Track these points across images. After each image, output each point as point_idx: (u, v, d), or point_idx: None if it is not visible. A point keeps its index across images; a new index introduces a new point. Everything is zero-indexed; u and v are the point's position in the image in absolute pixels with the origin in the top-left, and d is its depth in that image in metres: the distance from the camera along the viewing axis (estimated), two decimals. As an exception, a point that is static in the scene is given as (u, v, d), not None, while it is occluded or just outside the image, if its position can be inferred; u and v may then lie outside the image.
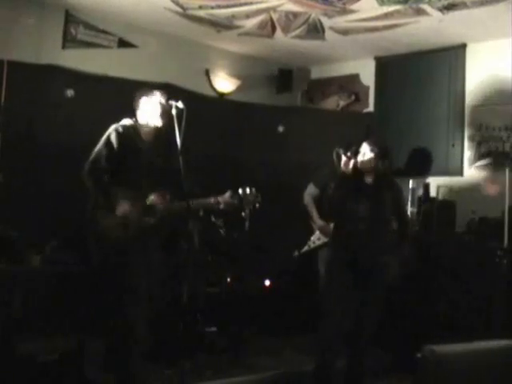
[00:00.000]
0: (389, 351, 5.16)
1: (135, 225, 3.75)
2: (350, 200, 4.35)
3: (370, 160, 4.35)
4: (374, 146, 4.38)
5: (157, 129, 3.93)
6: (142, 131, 3.94)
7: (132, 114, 3.98)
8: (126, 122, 3.94)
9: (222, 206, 3.93)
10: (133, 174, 3.83)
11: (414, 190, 6.01)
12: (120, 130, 3.86)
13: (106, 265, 3.83)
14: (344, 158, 4.37)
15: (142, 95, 3.95)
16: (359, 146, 4.48)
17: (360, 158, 4.39)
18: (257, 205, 4.01)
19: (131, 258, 3.74)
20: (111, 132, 3.85)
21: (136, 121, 3.95)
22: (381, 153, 4.38)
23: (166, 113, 3.85)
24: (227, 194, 3.94)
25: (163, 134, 3.91)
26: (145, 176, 3.84)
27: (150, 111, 3.91)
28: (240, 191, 3.97)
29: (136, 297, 3.77)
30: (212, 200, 3.94)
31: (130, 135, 3.87)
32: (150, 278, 3.85)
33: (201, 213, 4.91)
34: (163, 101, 3.88)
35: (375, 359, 4.84)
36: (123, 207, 3.74)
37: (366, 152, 4.38)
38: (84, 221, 3.86)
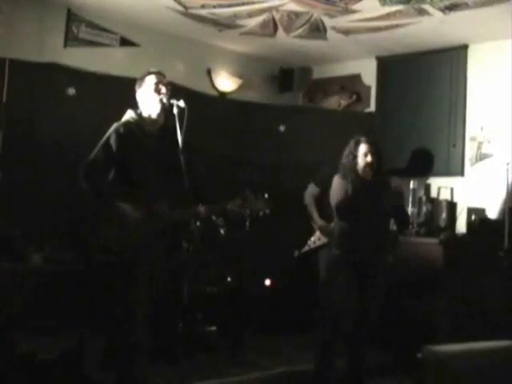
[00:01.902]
0: (389, 351, 5.17)
1: (137, 231, 3.73)
2: (352, 199, 4.34)
3: (371, 161, 4.35)
4: (372, 145, 4.39)
5: (160, 120, 3.85)
6: (146, 123, 3.84)
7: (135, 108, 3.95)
8: (129, 115, 3.85)
9: (229, 214, 3.84)
10: (137, 173, 3.77)
11: (414, 190, 6.00)
12: (121, 130, 3.75)
13: (106, 264, 3.82)
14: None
15: (138, 82, 3.91)
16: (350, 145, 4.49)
17: (361, 158, 4.38)
18: (267, 211, 3.86)
19: (131, 258, 3.73)
20: (111, 133, 3.76)
21: (140, 112, 3.86)
22: (378, 153, 4.39)
23: (166, 108, 3.82)
24: (237, 200, 3.82)
25: (168, 128, 3.85)
26: (150, 174, 3.76)
27: (148, 95, 3.82)
28: (250, 197, 3.81)
29: (136, 296, 3.76)
30: (221, 207, 3.84)
31: (133, 133, 3.77)
32: (151, 277, 3.84)
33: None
34: (159, 81, 3.84)
35: (375, 359, 4.84)
36: (125, 212, 3.71)
37: (366, 152, 4.37)
38: (86, 221, 3.85)
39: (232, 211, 3.81)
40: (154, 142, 3.83)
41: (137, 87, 3.90)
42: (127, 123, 3.82)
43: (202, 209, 3.78)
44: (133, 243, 3.69)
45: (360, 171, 4.37)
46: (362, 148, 4.39)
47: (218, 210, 3.90)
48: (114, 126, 3.81)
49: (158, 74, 3.92)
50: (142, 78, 3.90)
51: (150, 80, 3.86)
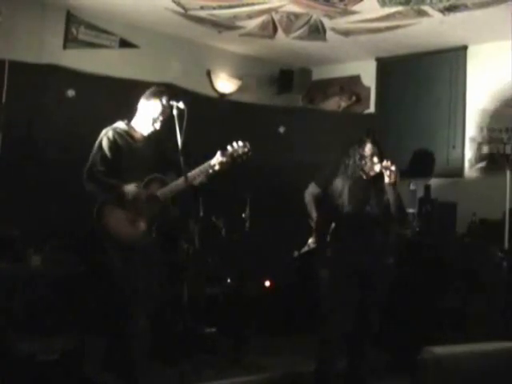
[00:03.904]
0: (389, 353, 5.16)
1: (144, 216, 3.79)
2: (355, 202, 4.32)
3: (377, 162, 4.30)
4: (378, 147, 4.35)
5: (151, 132, 3.96)
6: (135, 134, 3.97)
7: (131, 114, 3.99)
8: (119, 125, 3.97)
9: (217, 168, 3.95)
10: (127, 176, 3.86)
11: (414, 191, 6.00)
12: (110, 135, 3.88)
13: (108, 264, 3.83)
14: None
15: (144, 98, 3.95)
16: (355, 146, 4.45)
17: (368, 160, 4.33)
18: (247, 150, 4.08)
19: (133, 258, 3.74)
20: (102, 137, 3.90)
21: (128, 123, 3.97)
22: (382, 154, 4.35)
23: (166, 114, 3.87)
24: (218, 154, 3.96)
25: (158, 134, 3.92)
26: (139, 177, 3.86)
27: (148, 116, 3.92)
28: (229, 147, 4.01)
29: (136, 297, 3.77)
30: (206, 165, 3.95)
31: (122, 137, 3.90)
32: (151, 278, 3.85)
33: (201, 213, 4.91)
34: (164, 106, 3.89)
35: (375, 361, 4.83)
36: (130, 191, 3.78)
37: (373, 154, 4.33)
38: (86, 222, 3.85)
39: (219, 164, 3.94)
40: (142, 145, 3.90)
41: (145, 96, 3.96)
42: (116, 128, 3.96)
43: (190, 173, 3.84)
44: (139, 237, 3.73)
45: (366, 173, 4.33)
46: (369, 149, 4.34)
47: (204, 169, 3.95)
48: (104, 131, 3.94)
49: (168, 95, 3.93)
50: (155, 96, 3.93)
51: (157, 106, 3.90)
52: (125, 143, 3.90)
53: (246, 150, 4.05)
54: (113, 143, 3.87)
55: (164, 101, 3.89)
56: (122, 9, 5.71)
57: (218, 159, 3.95)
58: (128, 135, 3.93)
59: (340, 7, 5.35)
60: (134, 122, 3.98)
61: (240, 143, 4.03)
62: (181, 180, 3.77)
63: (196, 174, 3.91)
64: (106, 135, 3.89)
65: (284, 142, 6.50)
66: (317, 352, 4.47)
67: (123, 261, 3.75)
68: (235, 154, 4.01)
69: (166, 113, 3.91)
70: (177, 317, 4.48)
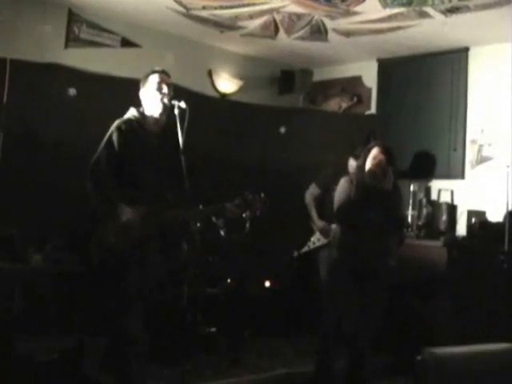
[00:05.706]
0: (389, 353, 5.16)
1: (137, 231, 3.71)
2: (354, 203, 4.31)
3: (384, 165, 4.29)
4: (386, 151, 4.33)
5: (162, 120, 3.85)
6: (148, 122, 3.83)
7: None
8: (131, 113, 3.85)
9: (228, 214, 3.76)
10: (138, 171, 3.75)
11: (415, 193, 6.01)
12: (123, 127, 3.75)
13: (105, 265, 3.81)
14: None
15: (141, 84, 3.91)
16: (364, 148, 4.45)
17: (373, 162, 4.34)
18: (264, 211, 3.79)
19: (131, 259, 3.72)
20: (113, 131, 3.75)
21: (142, 111, 3.86)
22: (391, 158, 4.33)
23: (166, 81, 3.84)
24: (235, 202, 3.75)
25: (169, 128, 3.85)
26: (150, 173, 3.76)
27: (152, 89, 3.83)
28: (248, 197, 3.76)
29: (136, 297, 3.76)
30: (219, 208, 3.79)
31: (135, 131, 3.77)
32: (150, 279, 3.83)
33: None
34: (161, 80, 3.84)
35: (376, 361, 4.83)
36: (125, 216, 3.70)
37: (379, 157, 4.31)
38: (86, 222, 3.83)
39: (231, 211, 3.79)
40: (156, 140, 3.83)
41: (140, 85, 3.91)
42: (129, 121, 3.82)
43: (201, 209, 3.78)
44: (129, 244, 3.68)
45: (367, 175, 4.32)
46: (373, 152, 4.34)
47: (217, 211, 3.89)
48: (116, 123, 3.80)
49: (162, 72, 3.92)
50: (146, 77, 3.91)
51: (153, 79, 3.87)
52: (137, 138, 3.76)
53: (264, 206, 3.78)
54: (124, 138, 3.72)
55: (160, 73, 3.87)
56: (123, 8, 5.71)
57: (234, 206, 3.73)
58: (140, 127, 3.80)
59: (342, 8, 5.34)
60: (146, 109, 3.86)
61: (261, 197, 3.77)
62: (188, 212, 3.71)
63: (206, 211, 3.88)
64: (116, 129, 3.76)
65: (285, 143, 6.51)
66: (317, 352, 4.47)
67: (121, 262, 3.72)
68: (253, 209, 3.77)
69: (165, 80, 3.85)
70: (177, 317, 4.48)
